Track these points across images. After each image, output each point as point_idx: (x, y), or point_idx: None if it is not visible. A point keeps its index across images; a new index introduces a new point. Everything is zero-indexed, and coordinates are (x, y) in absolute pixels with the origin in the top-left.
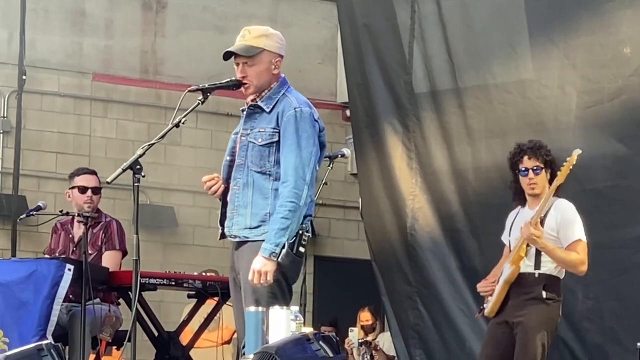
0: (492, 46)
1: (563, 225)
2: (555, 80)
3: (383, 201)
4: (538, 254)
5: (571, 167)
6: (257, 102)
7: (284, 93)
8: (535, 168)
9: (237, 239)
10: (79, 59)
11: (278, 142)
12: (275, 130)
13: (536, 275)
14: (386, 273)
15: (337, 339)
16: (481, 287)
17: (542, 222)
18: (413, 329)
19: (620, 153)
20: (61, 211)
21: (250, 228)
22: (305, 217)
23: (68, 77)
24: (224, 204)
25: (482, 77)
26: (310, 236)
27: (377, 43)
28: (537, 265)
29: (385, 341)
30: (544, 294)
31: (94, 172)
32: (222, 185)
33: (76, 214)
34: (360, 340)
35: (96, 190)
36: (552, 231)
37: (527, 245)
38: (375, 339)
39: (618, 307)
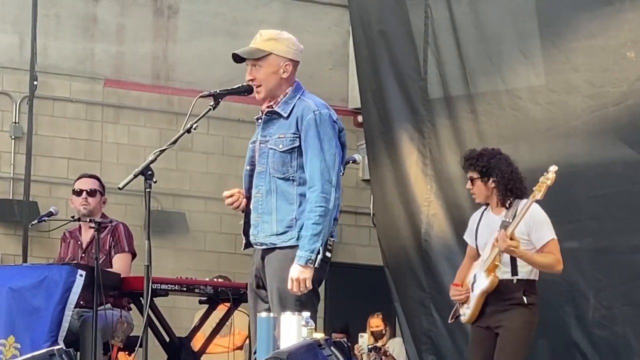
0: (502, 52)
1: (534, 228)
2: (562, 85)
3: (397, 207)
4: (513, 259)
5: (549, 184)
6: (273, 108)
7: (299, 97)
8: (470, 178)
9: (263, 247)
10: (91, 65)
11: (299, 147)
12: (296, 136)
13: (514, 282)
14: (399, 279)
15: (349, 344)
16: (454, 295)
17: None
18: (426, 335)
19: (629, 158)
20: (73, 217)
21: (277, 234)
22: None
23: (80, 83)
24: (247, 214)
25: (494, 83)
26: (335, 240)
27: (392, 49)
28: (514, 271)
29: (395, 347)
30: (525, 299)
31: (92, 176)
32: (244, 199)
33: (87, 220)
34: (370, 346)
35: (92, 192)
36: (522, 235)
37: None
38: (385, 344)
39: (630, 313)
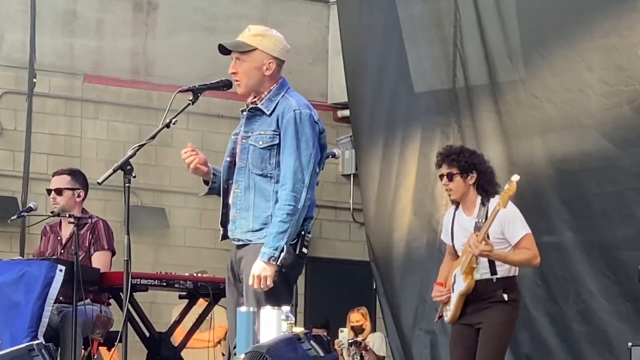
0: (522, 51)
1: (507, 224)
2: (576, 83)
3: (395, 202)
4: (490, 259)
5: (511, 194)
6: (257, 104)
7: (283, 95)
8: (448, 174)
9: (240, 242)
10: (70, 60)
11: (279, 144)
12: (276, 133)
13: (494, 281)
14: (387, 273)
15: (328, 338)
16: (436, 295)
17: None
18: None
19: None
20: (52, 212)
21: (253, 231)
22: (305, 219)
23: (59, 79)
24: (225, 205)
25: (514, 82)
26: (311, 236)
27: (416, 49)
28: (493, 270)
29: (375, 341)
30: (505, 296)
31: (62, 173)
32: (201, 157)
33: (67, 215)
34: (350, 341)
35: (59, 191)
36: (496, 234)
37: None
38: (365, 339)
39: (631, 309)
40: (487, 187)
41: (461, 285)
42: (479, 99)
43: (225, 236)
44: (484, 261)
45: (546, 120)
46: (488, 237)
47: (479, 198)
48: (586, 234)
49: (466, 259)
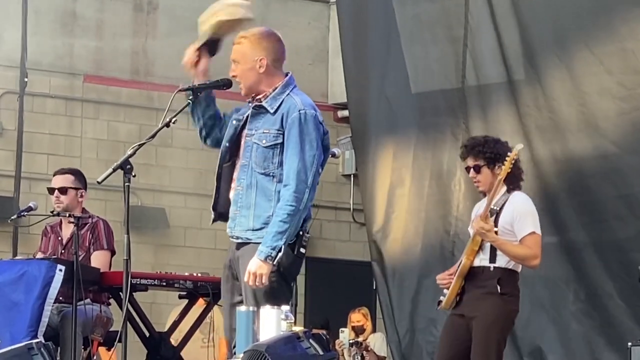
0: (539, 55)
1: (518, 218)
2: (594, 87)
3: (410, 206)
4: (493, 247)
5: (513, 161)
6: (261, 102)
7: (288, 94)
8: (475, 166)
9: (239, 240)
10: (70, 61)
11: (282, 143)
12: (280, 132)
13: (491, 269)
14: (393, 275)
15: (328, 337)
16: (439, 278)
17: (498, 216)
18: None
19: None
20: (52, 212)
21: (253, 230)
22: (305, 219)
23: (59, 79)
24: (217, 188)
25: (532, 86)
26: (310, 236)
27: (420, 49)
28: (493, 258)
29: (376, 342)
30: (498, 288)
31: (65, 172)
32: (203, 61)
33: (67, 215)
34: (351, 341)
35: (63, 190)
36: (507, 225)
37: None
38: (366, 339)
39: None
40: (516, 174)
41: (460, 267)
42: (490, 99)
43: (216, 220)
44: (486, 248)
45: (563, 122)
46: (495, 220)
47: (505, 187)
48: (601, 235)
49: (469, 240)
